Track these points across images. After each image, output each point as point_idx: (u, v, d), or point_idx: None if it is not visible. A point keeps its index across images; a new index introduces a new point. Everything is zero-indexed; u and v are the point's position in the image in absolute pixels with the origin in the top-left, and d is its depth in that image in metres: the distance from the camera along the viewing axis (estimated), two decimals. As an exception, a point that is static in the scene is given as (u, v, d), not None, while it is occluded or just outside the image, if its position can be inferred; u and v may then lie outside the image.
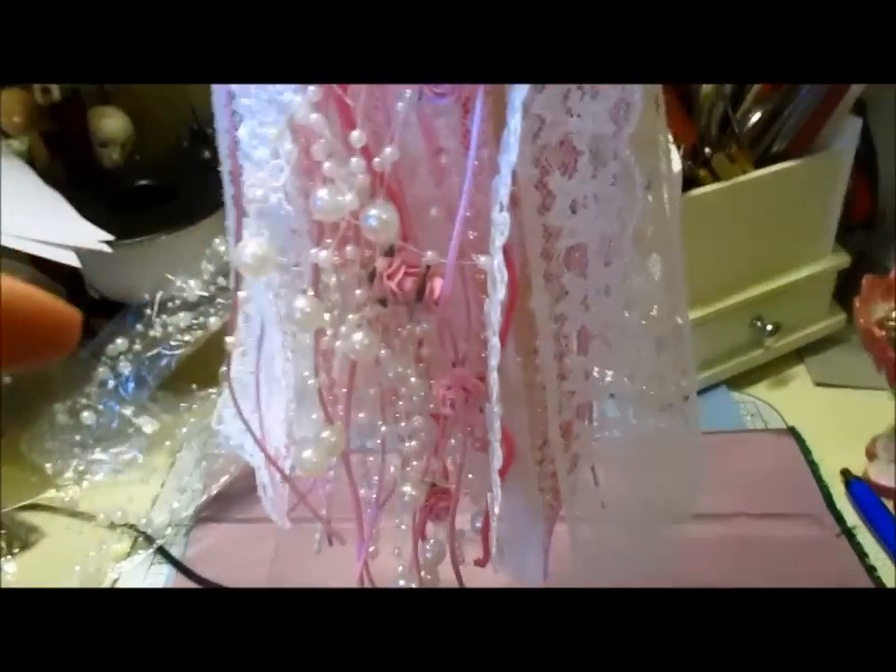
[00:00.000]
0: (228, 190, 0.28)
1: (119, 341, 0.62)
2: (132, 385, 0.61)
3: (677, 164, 0.57)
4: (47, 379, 0.65)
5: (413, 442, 0.29)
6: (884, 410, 0.60)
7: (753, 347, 0.67)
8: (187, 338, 0.61)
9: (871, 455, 0.59)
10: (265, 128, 0.24)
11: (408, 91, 0.24)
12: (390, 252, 0.26)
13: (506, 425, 0.27)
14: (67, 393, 0.63)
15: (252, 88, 0.24)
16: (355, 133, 0.24)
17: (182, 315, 0.62)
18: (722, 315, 0.64)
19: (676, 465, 0.32)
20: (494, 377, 0.25)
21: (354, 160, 0.24)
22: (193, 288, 0.62)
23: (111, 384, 0.62)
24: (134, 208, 0.70)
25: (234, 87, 0.25)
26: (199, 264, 0.64)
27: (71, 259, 0.58)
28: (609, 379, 0.30)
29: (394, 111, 0.24)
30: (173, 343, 0.61)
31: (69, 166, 0.80)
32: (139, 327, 0.62)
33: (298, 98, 0.23)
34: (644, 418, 0.31)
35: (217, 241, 0.63)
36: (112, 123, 0.79)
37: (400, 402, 0.29)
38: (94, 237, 0.62)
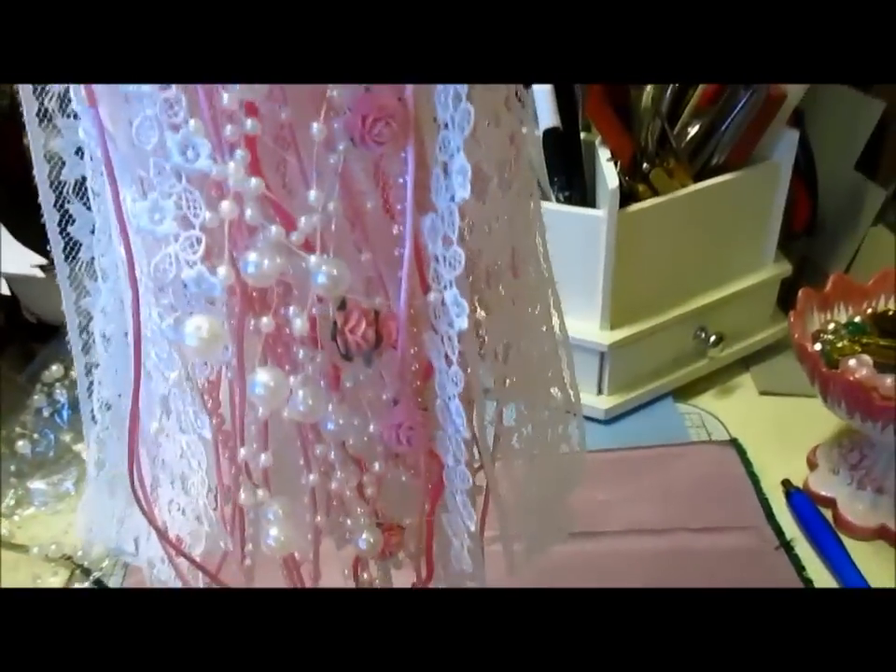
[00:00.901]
0: (62, 271, 0.27)
1: (54, 367, 0.60)
2: (68, 412, 0.60)
3: (614, 180, 0.57)
4: (-19, 407, 0.64)
5: (370, 490, 0.29)
6: (827, 418, 0.60)
7: (698, 358, 0.68)
8: (124, 363, 0.60)
9: (811, 464, 0.59)
10: (170, 199, 0.24)
11: (341, 143, 0.23)
12: (342, 305, 0.25)
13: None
14: (2, 421, 0.62)
15: (150, 157, 0.23)
16: (312, 193, 0.23)
17: (119, 339, 0.60)
18: (666, 326, 0.65)
19: (561, 472, 0.33)
20: (456, 404, 0.27)
21: (304, 218, 0.24)
22: (130, 312, 0.61)
23: (47, 411, 0.60)
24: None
25: (118, 160, 0.24)
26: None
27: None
28: (517, 383, 0.31)
29: (326, 163, 0.23)
30: (110, 368, 0.60)
31: (6, 185, 0.78)
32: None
33: (231, 165, 0.23)
34: (544, 421, 0.33)
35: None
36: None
37: (332, 453, 0.29)
38: (25, 262, 0.60)
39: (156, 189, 0.24)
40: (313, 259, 0.23)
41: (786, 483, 0.57)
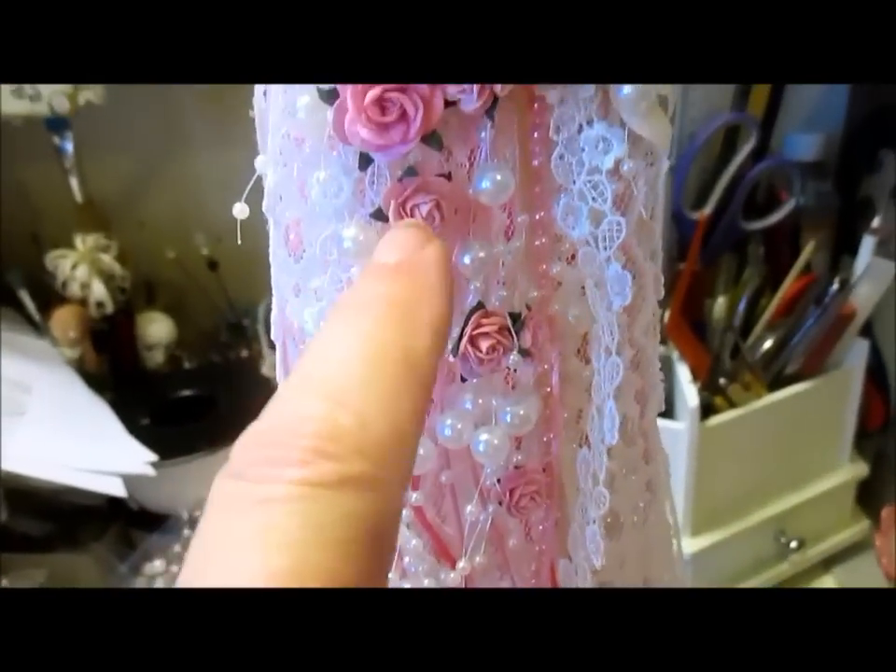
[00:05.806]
0: None
1: (157, 562, 0.64)
2: (167, 607, 0.63)
3: (694, 398, 0.60)
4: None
5: None
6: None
7: (778, 561, 0.68)
8: (222, 559, 0.63)
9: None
10: None
11: (491, 506, 0.25)
12: None
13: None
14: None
15: None
16: (461, 562, 0.25)
17: (219, 536, 0.64)
18: (746, 532, 0.65)
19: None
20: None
21: (453, 574, 0.25)
22: (230, 510, 0.64)
23: (147, 605, 0.63)
24: (175, 420, 0.74)
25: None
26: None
27: (117, 489, 0.61)
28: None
29: (477, 520, 0.25)
30: (209, 565, 0.63)
31: (115, 366, 0.85)
32: (177, 547, 0.64)
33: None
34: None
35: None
36: (157, 328, 0.84)
37: None
38: (140, 459, 0.65)
39: None
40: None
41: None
